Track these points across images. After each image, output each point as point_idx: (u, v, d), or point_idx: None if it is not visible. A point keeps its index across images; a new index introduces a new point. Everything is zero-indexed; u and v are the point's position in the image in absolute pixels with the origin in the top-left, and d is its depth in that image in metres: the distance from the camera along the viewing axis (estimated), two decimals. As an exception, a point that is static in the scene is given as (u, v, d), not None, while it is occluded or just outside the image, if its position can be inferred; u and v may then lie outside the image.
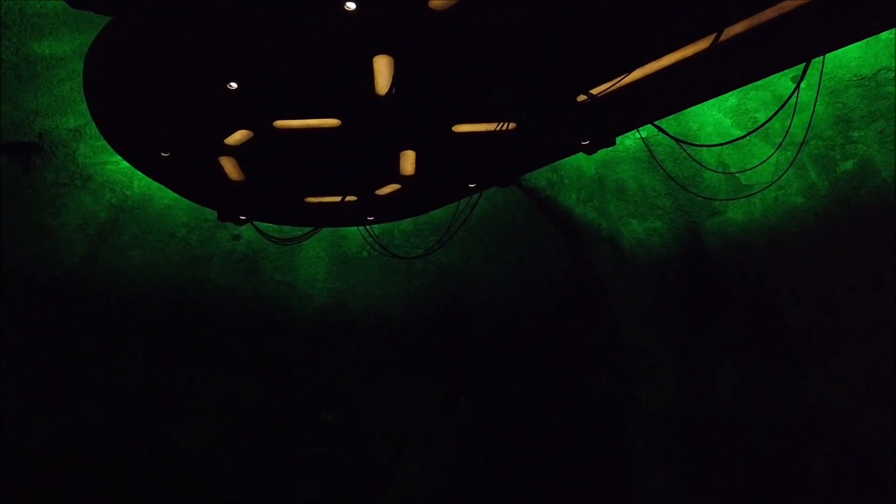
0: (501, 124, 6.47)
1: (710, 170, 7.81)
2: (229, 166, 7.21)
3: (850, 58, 6.79)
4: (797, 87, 5.78)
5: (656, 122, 6.66)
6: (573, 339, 10.66)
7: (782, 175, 7.16)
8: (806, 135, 6.73)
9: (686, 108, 7.06)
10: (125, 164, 8.16)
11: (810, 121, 6.58)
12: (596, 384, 10.16)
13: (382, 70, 5.59)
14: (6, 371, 8.78)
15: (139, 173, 8.47)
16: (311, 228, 8.93)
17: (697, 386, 8.74)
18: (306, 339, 10.94)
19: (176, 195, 9.02)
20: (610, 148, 8.02)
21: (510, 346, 11.05)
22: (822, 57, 5.84)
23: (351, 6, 4.80)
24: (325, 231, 10.59)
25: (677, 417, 8.87)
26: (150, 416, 9.96)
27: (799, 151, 6.97)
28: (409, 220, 10.64)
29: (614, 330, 9.63)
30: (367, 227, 9.26)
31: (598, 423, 10.32)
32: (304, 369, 10.94)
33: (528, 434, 10.87)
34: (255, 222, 8.56)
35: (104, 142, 7.30)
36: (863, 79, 6.80)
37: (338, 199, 8.02)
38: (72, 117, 7.86)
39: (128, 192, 9.18)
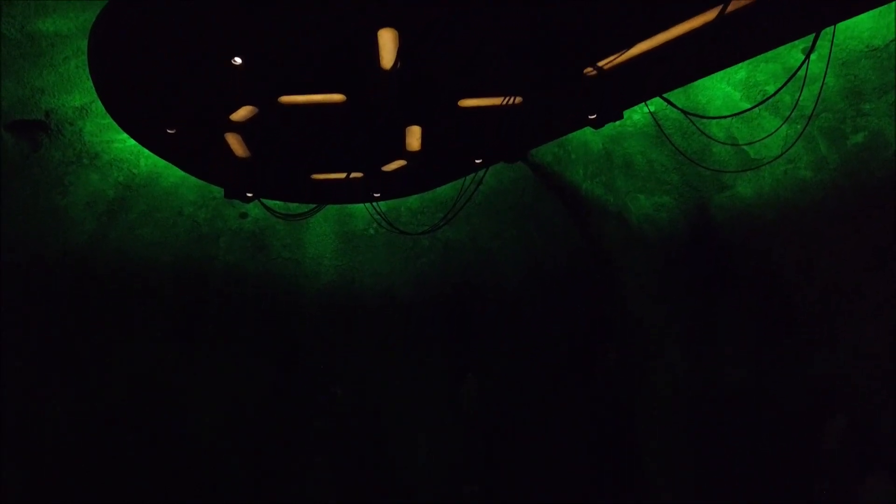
0: (508, 98, 6.43)
1: (718, 142, 7.74)
2: (235, 143, 7.21)
3: (861, 28, 6.68)
4: (807, 58, 5.70)
5: (664, 95, 6.59)
6: (580, 315, 10.67)
7: (790, 147, 7.08)
8: (815, 107, 6.65)
9: (694, 80, 6.99)
10: (132, 141, 8.17)
11: (820, 93, 6.49)
12: (603, 360, 10.18)
13: (387, 44, 5.55)
14: (14, 350, 8.85)
15: (146, 151, 8.48)
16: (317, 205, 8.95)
17: (705, 362, 8.74)
18: (314, 316, 11.00)
19: (183, 173, 9.03)
20: (617, 122, 7.96)
21: (517, 322, 11.08)
22: (832, 27, 5.75)
23: (355, -21, 4.76)
24: (332, 208, 10.59)
25: (684, 394, 8.88)
26: (159, 393, 10.05)
27: (808, 124, 6.89)
28: (415, 197, 10.62)
29: (621, 305, 9.63)
30: (374, 203, 9.26)
31: (604, 400, 10.35)
32: (312, 346, 11.02)
33: (535, 411, 10.92)
34: (261, 199, 8.57)
35: (110, 119, 7.31)
36: (874, 50, 6.70)
37: (343, 175, 8.02)
38: (77, 95, 7.86)
39: (135, 170, 9.20)
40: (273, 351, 10.85)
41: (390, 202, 10.23)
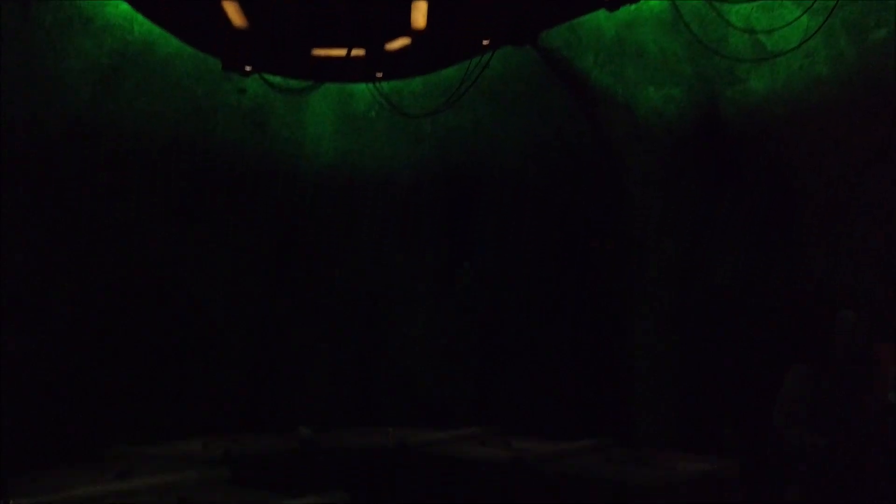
0: (519, -27, 6.15)
1: (736, 28, 7.46)
2: (232, 11, 6.96)
3: (899, -89, 6.30)
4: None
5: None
6: (582, 206, 10.66)
7: (809, 38, 6.83)
8: (839, -3, 6.36)
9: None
10: (125, 5, 7.85)
11: (846, -19, 6.19)
12: (601, 249, 10.26)
13: None
14: (11, 215, 8.79)
15: (140, 17, 8.15)
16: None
17: (702, 257, 8.82)
18: (313, 197, 10.97)
19: (179, 43, 8.73)
20: (633, 6, 7.67)
21: (517, 210, 11.08)
22: None
23: None
24: (332, 89, 10.32)
25: (679, 286, 9.02)
26: (159, 265, 10.14)
27: (829, 15, 6.62)
28: (418, 79, 10.32)
29: (622, 197, 9.60)
30: (376, 84, 9.06)
31: (598, 290, 10.51)
32: (310, 227, 11.04)
33: (529, 299, 11.12)
34: (261, 74, 8.36)
35: (102, -20, 6.99)
36: (910, -64, 6.34)
37: (345, 52, 7.80)
38: (66, -48, 7.48)
39: (129, 38, 8.86)
40: (271, 230, 10.88)
41: (392, 84, 9.97)
